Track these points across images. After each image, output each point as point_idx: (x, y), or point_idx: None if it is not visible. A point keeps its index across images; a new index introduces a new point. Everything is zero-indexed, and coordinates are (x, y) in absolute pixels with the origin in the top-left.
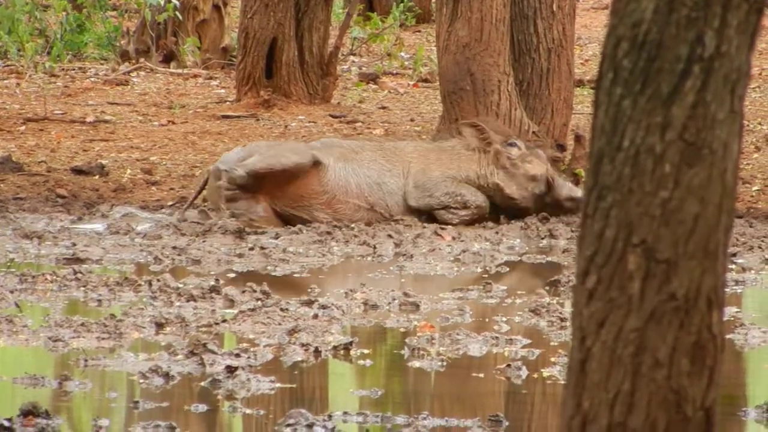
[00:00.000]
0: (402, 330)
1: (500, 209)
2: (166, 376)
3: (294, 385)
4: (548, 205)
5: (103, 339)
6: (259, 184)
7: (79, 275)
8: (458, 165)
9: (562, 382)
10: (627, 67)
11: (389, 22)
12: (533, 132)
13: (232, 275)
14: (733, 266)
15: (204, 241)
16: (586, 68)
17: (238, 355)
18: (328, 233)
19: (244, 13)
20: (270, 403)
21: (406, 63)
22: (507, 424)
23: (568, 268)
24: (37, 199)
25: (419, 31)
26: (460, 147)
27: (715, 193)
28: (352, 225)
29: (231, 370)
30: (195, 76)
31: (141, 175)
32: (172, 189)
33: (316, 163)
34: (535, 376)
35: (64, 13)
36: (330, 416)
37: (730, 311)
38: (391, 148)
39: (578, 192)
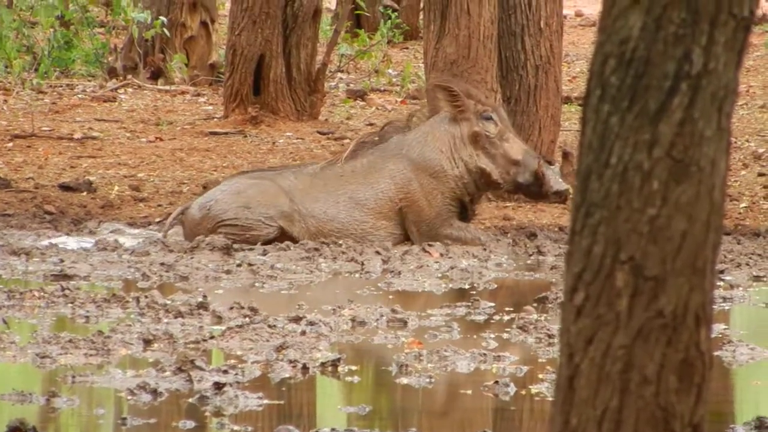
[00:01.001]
0: (390, 346)
1: (480, 190)
2: (154, 392)
3: (282, 402)
4: (530, 192)
5: (91, 355)
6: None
7: (66, 292)
8: (439, 182)
9: (550, 399)
10: (614, 84)
11: (377, 39)
12: None
13: (220, 292)
14: (721, 283)
15: (192, 258)
16: (573, 85)
17: (225, 372)
18: (316, 250)
19: (231, 30)
20: (258, 420)
21: (394, 80)
22: None
23: (556, 284)
24: (24, 216)
25: (407, 48)
26: (425, 145)
27: (702, 210)
28: (340, 242)
29: (219, 386)
30: (182, 92)
31: (129, 192)
32: (159, 205)
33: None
34: (523, 392)
35: (51, 30)
36: None
37: (718, 328)
38: (368, 185)
39: (564, 185)
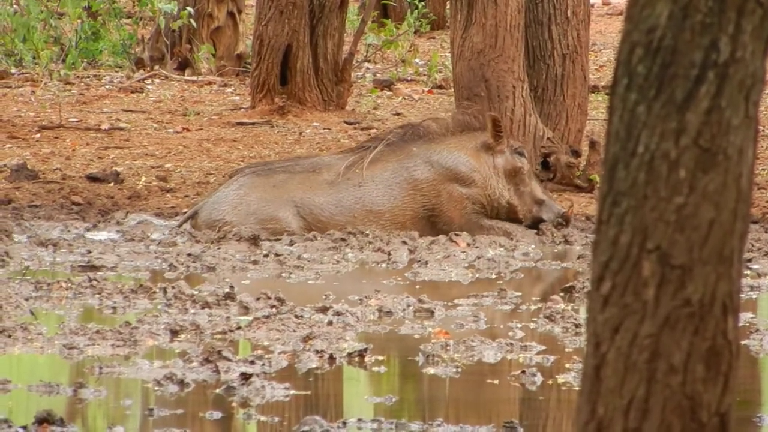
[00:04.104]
0: (416, 337)
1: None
2: (181, 383)
3: (308, 392)
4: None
5: (118, 346)
6: None
7: (94, 283)
8: (469, 190)
9: (577, 389)
10: (642, 72)
11: (404, 29)
12: (548, 138)
13: (247, 282)
14: (748, 272)
15: (218, 248)
16: (600, 74)
17: (252, 362)
18: (343, 240)
19: (258, 20)
20: (284, 410)
21: (421, 69)
22: (522, 430)
23: (583, 274)
24: (52, 207)
25: (433, 38)
26: (458, 159)
27: (730, 199)
28: (367, 231)
29: (246, 377)
30: (209, 83)
31: (156, 183)
32: (187, 196)
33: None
34: (550, 382)
35: (78, 21)
36: (344, 423)
37: (745, 317)
38: (388, 196)
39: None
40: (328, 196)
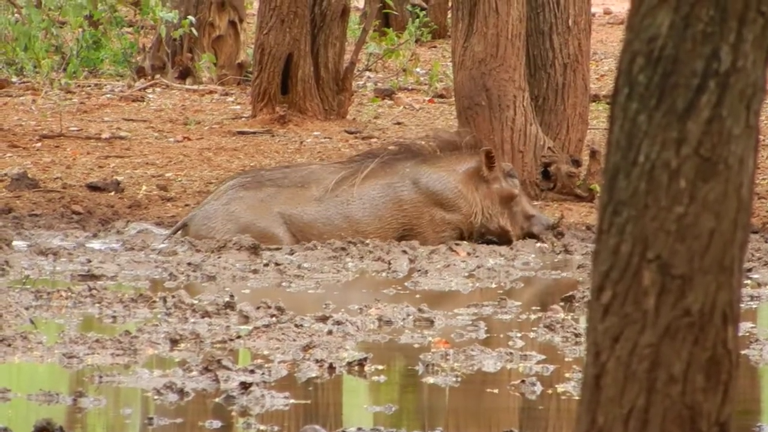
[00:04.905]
0: (416, 346)
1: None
2: (181, 392)
3: (308, 401)
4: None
5: (118, 355)
6: None
7: (94, 292)
8: (452, 215)
9: (577, 398)
10: (642, 82)
11: (405, 38)
12: (549, 147)
13: (247, 291)
14: (749, 281)
15: (219, 257)
16: (601, 83)
17: (252, 372)
18: (343, 249)
19: (260, 29)
20: (284, 419)
21: (422, 79)
22: None
23: (583, 283)
24: (52, 216)
25: (435, 47)
26: (446, 185)
27: (730, 208)
28: (367, 241)
29: (245, 386)
30: (211, 92)
31: (156, 192)
32: (187, 205)
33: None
34: (550, 391)
35: (80, 30)
36: None
37: (745, 327)
38: (375, 217)
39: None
40: (317, 213)
